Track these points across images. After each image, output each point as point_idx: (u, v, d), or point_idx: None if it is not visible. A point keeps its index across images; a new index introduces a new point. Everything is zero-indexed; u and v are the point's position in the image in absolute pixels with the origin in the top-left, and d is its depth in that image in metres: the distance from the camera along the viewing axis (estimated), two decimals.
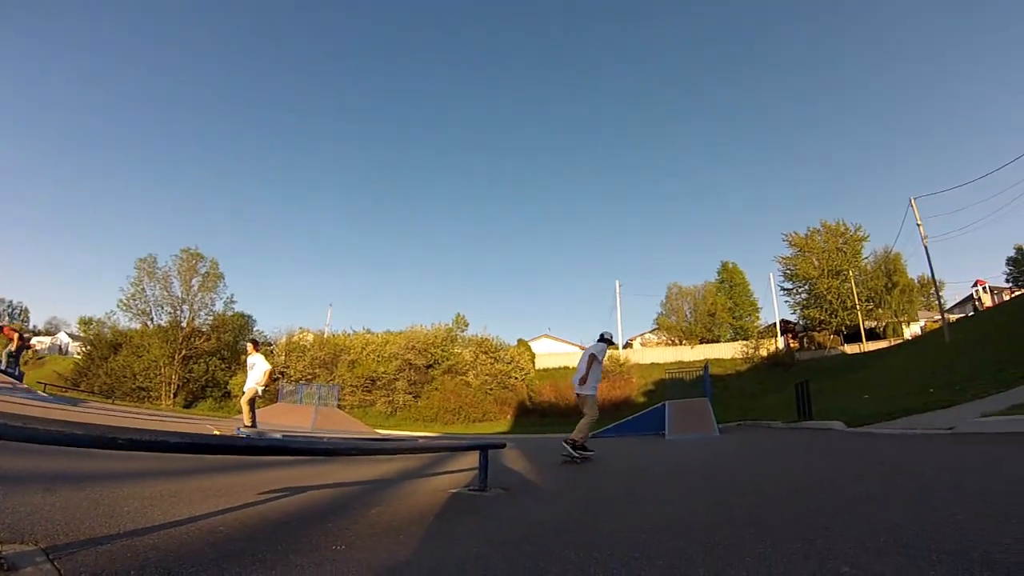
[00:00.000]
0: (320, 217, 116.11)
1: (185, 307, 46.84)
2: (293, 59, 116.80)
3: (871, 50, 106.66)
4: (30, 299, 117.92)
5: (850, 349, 48.86)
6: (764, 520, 3.25)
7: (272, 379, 38.67)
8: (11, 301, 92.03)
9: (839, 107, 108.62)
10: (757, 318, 59.17)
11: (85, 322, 51.14)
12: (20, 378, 18.83)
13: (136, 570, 2.25)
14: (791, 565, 2.17)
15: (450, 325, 49.17)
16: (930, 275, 35.97)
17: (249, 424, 12.23)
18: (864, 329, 50.67)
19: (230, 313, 49.83)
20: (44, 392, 20.81)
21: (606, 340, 9.84)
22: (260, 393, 12.94)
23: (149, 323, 46.60)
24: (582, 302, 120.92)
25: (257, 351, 13.15)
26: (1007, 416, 8.23)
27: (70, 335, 72.94)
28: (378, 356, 42.75)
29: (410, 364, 42.23)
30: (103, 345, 45.36)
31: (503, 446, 6.67)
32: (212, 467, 6.08)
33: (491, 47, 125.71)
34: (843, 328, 52.52)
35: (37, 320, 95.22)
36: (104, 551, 2.46)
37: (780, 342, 52.16)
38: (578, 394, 9.22)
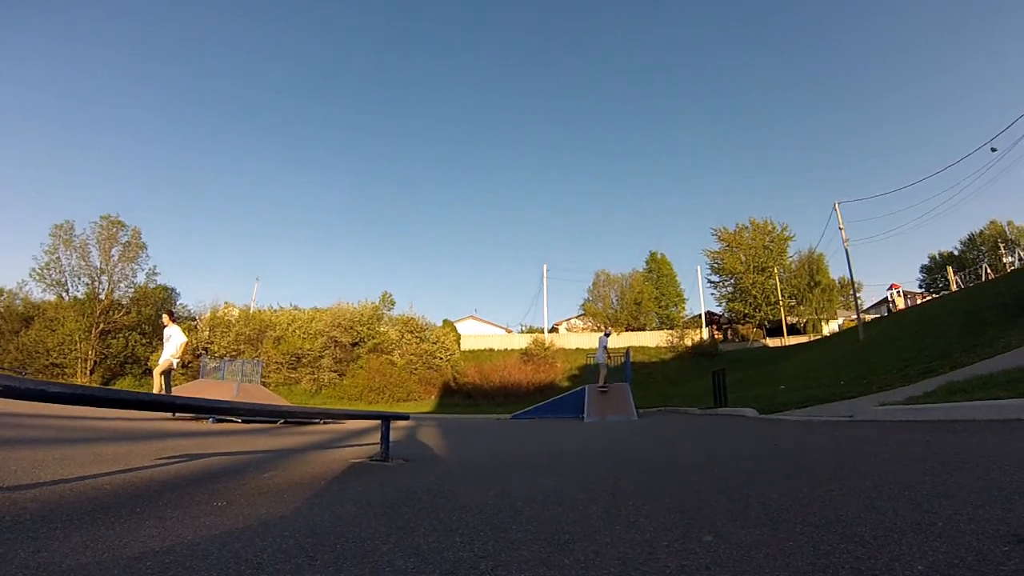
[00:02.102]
0: (248, 188, 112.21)
1: (104, 278, 44.49)
2: (218, 18, 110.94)
3: (809, 56, 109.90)
4: None
5: (772, 342, 50.88)
6: (648, 493, 3.38)
7: (196, 355, 37.89)
8: None
9: (772, 110, 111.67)
10: (683, 308, 60.54)
11: None
12: None
13: (12, 517, 2.34)
14: (658, 532, 2.29)
15: (377, 303, 48.56)
16: (849, 276, 37.68)
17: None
18: (786, 324, 52.94)
19: (152, 286, 47.67)
20: None
21: (607, 333, 21.37)
22: (176, 366, 12.60)
23: (64, 295, 44.01)
24: (510, 285, 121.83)
25: (173, 323, 12.80)
26: (900, 406, 8.82)
27: None
28: (304, 333, 41.96)
29: (336, 341, 41.70)
30: (13, 318, 42.63)
31: (406, 418, 6.82)
32: (111, 436, 5.98)
33: (428, 30, 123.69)
34: (766, 322, 54.72)
35: None
36: None
37: (705, 333, 53.74)
38: (597, 363, 19.94)
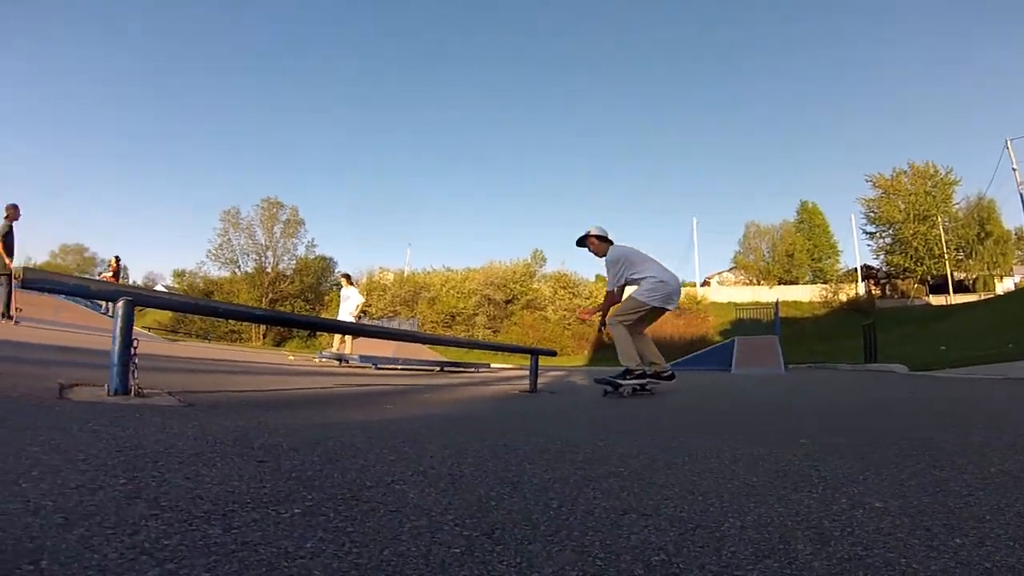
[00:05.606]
0: (394, 156, 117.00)
1: (269, 253, 49.83)
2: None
3: None
4: (127, 258, 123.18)
5: (935, 300, 46.44)
6: (713, 428, 3.39)
7: (356, 317, 39.96)
8: (107, 259, 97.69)
9: (930, 39, 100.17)
10: (837, 261, 56.79)
11: (179, 274, 55.58)
12: None
13: (226, 402, 3.27)
14: (719, 444, 2.88)
15: (528, 260, 49.27)
16: None
17: (335, 351, 12.68)
18: (952, 280, 48.06)
19: (312, 256, 52.23)
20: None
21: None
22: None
23: (237, 271, 50.07)
24: (660, 239, 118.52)
25: (351, 284, 14.10)
26: None
27: (166, 287, 77.06)
28: (457, 292, 43.71)
29: (489, 299, 42.91)
30: (196, 294, 48.51)
31: (554, 354, 7.47)
32: (291, 372, 7.02)
33: None
34: (929, 277, 49.75)
35: (136, 275, 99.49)
36: (207, 395, 3.55)
37: (861, 288, 50.02)
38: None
